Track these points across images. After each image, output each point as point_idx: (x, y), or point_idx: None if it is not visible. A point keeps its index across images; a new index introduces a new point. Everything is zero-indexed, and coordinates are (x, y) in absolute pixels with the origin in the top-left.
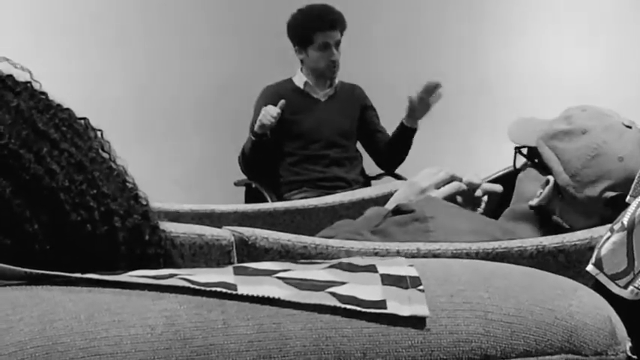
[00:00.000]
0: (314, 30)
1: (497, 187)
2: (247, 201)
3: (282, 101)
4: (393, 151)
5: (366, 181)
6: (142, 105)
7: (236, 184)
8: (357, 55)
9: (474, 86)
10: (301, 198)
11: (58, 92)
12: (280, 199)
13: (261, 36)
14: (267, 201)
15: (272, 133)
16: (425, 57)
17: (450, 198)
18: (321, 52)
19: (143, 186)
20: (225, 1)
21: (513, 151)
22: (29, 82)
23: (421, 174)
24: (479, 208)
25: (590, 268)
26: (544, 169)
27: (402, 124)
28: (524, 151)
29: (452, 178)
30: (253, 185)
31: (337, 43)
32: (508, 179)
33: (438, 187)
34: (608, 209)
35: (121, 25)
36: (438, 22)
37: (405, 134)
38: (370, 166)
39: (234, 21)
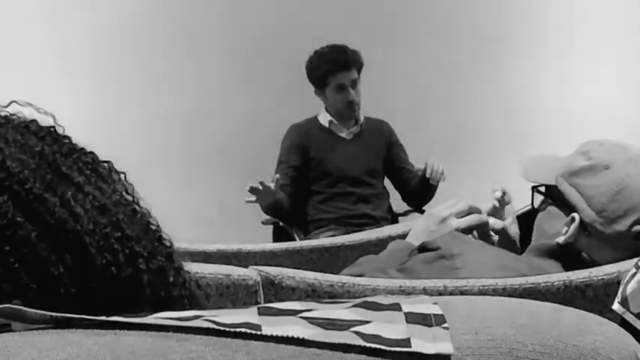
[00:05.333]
0: (328, 73)
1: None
2: (275, 239)
3: (277, 176)
4: (419, 195)
5: (394, 218)
6: (169, 143)
7: (264, 222)
8: (383, 90)
9: (499, 121)
10: (329, 236)
11: (80, 131)
12: (307, 236)
13: (287, 73)
14: (295, 239)
15: (298, 171)
16: (450, 92)
17: (469, 230)
18: (338, 93)
19: (169, 225)
20: (249, 37)
21: (531, 191)
22: (53, 127)
23: (440, 206)
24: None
25: (616, 306)
26: (565, 206)
27: (424, 176)
28: (542, 189)
29: (470, 210)
30: (281, 224)
31: (353, 83)
32: (528, 217)
33: (457, 217)
34: (638, 243)
35: (141, 62)
36: (463, 56)
37: (429, 185)
38: (397, 203)
39: (258, 58)
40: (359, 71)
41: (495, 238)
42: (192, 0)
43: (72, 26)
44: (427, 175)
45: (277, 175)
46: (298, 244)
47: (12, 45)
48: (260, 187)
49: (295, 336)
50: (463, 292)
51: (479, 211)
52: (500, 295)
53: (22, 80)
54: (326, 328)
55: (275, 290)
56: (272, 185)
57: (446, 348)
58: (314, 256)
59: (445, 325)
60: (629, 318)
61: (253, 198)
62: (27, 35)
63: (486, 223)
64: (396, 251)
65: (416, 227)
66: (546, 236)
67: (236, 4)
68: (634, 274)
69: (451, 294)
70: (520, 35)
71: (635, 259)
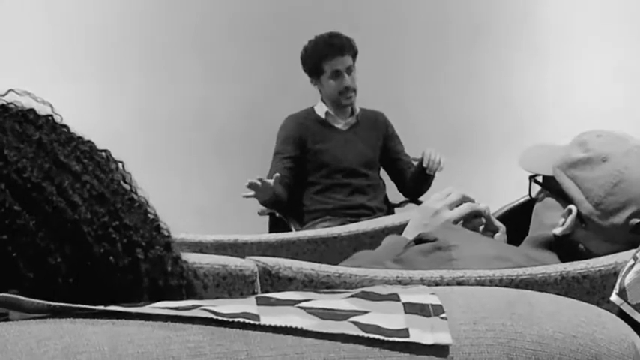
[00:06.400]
0: (323, 59)
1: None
2: (271, 230)
3: (277, 174)
4: (416, 185)
5: (390, 209)
6: (166, 134)
7: (260, 213)
8: (381, 81)
9: (500, 113)
10: (325, 226)
11: (79, 121)
12: (303, 227)
13: (287, 62)
14: (291, 230)
15: (295, 162)
16: (449, 83)
17: (465, 219)
18: (333, 79)
19: (166, 216)
20: (251, 28)
21: (528, 180)
22: (50, 116)
23: (433, 197)
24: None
25: (614, 297)
26: (563, 197)
27: (421, 165)
28: (540, 179)
29: (464, 199)
30: (277, 214)
31: (348, 69)
32: (525, 208)
33: (451, 208)
34: (635, 235)
35: (142, 52)
36: (463, 49)
37: (426, 175)
38: (394, 194)
39: (260, 47)
40: (354, 58)
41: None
42: None
43: (71, 23)
44: (424, 165)
45: (278, 174)
46: (294, 234)
47: (12, 43)
48: (258, 184)
49: (294, 326)
50: (460, 283)
51: (472, 201)
52: (497, 286)
53: (22, 76)
54: (324, 318)
55: (272, 280)
56: (270, 182)
57: (444, 338)
58: (310, 247)
59: (443, 315)
60: (627, 309)
61: (251, 193)
62: (26, 33)
63: (480, 212)
64: (392, 244)
65: (411, 222)
66: (543, 227)
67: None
68: (632, 266)
69: (448, 284)
70: (516, 29)
71: (634, 251)
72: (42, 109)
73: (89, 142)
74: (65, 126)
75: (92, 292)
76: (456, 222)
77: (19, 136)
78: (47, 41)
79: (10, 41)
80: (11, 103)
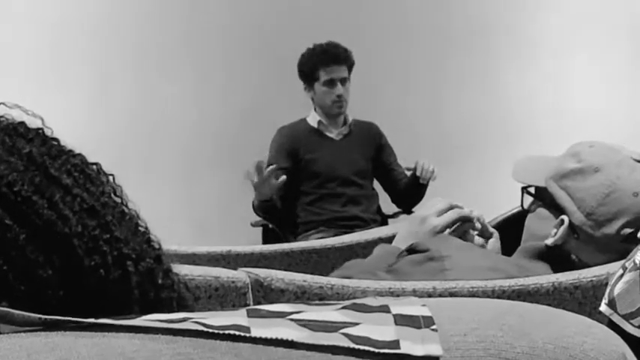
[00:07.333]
0: (319, 66)
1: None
2: (264, 241)
3: (284, 177)
4: (408, 195)
5: (383, 220)
6: (158, 145)
7: (253, 224)
8: (374, 92)
9: (497, 121)
10: (318, 238)
11: (73, 130)
12: (297, 238)
13: (281, 73)
14: (284, 241)
15: (288, 173)
16: (445, 91)
17: (453, 225)
18: (327, 87)
19: (159, 227)
20: (244, 38)
21: (520, 192)
22: (41, 129)
23: (422, 208)
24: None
25: (603, 308)
26: (555, 208)
27: (414, 175)
28: (532, 190)
29: (451, 207)
30: (270, 226)
31: (343, 80)
32: (519, 218)
33: (438, 215)
34: (626, 245)
35: (137, 62)
36: (460, 56)
37: (419, 185)
38: (387, 205)
39: (252, 58)
40: (349, 70)
41: (479, 240)
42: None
43: (62, 26)
44: (417, 174)
45: (284, 177)
46: (287, 246)
47: (5, 45)
48: (265, 168)
49: (284, 338)
50: (452, 294)
51: (460, 207)
52: (489, 297)
53: (15, 78)
54: (315, 330)
55: (264, 292)
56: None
57: (435, 349)
58: (303, 258)
59: (434, 326)
60: (617, 319)
61: (254, 178)
62: (19, 34)
63: (468, 217)
64: (383, 254)
65: (400, 232)
66: (536, 238)
67: (235, 5)
68: (621, 276)
69: (440, 295)
70: (510, 35)
71: (623, 261)
72: (32, 122)
73: (79, 155)
74: (56, 139)
75: (83, 305)
76: (443, 228)
77: (9, 149)
78: (39, 43)
79: (3, 43)
80: (1, 116)
